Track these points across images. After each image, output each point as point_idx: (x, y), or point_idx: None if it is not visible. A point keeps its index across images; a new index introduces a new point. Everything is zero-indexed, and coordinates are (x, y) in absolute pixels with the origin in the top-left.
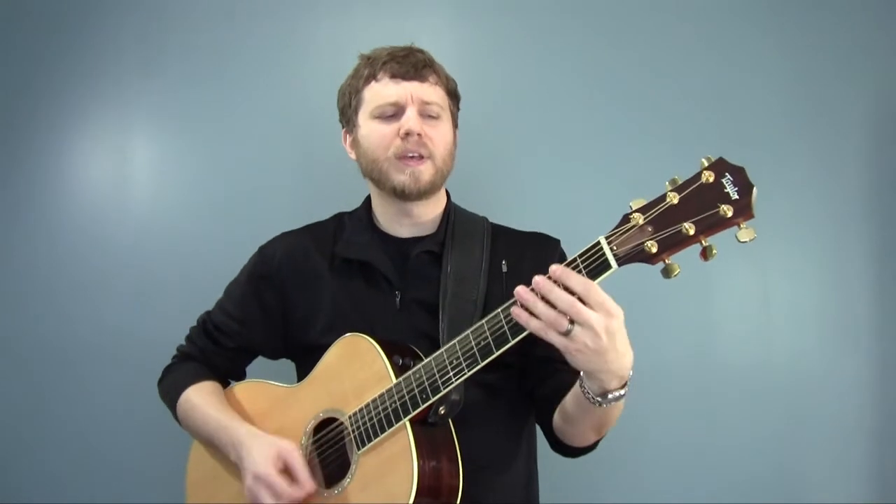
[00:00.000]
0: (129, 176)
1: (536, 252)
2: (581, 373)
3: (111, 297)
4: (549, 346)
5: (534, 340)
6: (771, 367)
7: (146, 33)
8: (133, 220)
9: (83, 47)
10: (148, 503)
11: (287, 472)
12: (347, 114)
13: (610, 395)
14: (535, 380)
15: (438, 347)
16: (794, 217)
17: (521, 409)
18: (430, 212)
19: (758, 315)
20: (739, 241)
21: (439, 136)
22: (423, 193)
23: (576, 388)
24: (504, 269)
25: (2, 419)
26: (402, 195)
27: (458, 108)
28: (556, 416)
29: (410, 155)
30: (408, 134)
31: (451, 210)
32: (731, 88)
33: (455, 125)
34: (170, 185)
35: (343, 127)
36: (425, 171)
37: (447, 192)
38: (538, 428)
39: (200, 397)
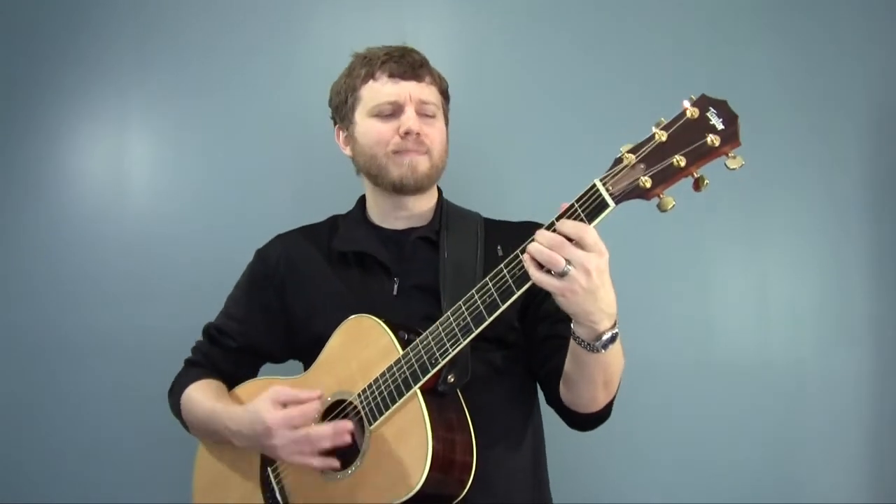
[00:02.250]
0: (127, 176)
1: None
2: (573, 326)
3: (110, 296)
4: (552, 326)
5: (537, 320)
6: (769, 366)
7: (142, 34)
8: (130, 219)
9: (80, 48)
10: (148, 503)
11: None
12: (343, 111)
13: (604, 337)
14: (540, 358)
15: None
16: (793, 215)
17: (526, 391)
18: (423, 205)
19: (756, 313)
20: (729, 169)
21: (435, 133)
22: (420, 186)
23: (572, 344)
24: (500, 252)
25: (0, 419)
26: (400, 188)
27: (448, 107)
28: (561, 385)
29: (409, 150)
30: (407, 133)
31: (443, 203)
32: (729, 87)
33: (447, 122)
34: (167, 185)
35: (336, 124)
36: (422, 162)
37: (439, 188)
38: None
39: (199, 392)
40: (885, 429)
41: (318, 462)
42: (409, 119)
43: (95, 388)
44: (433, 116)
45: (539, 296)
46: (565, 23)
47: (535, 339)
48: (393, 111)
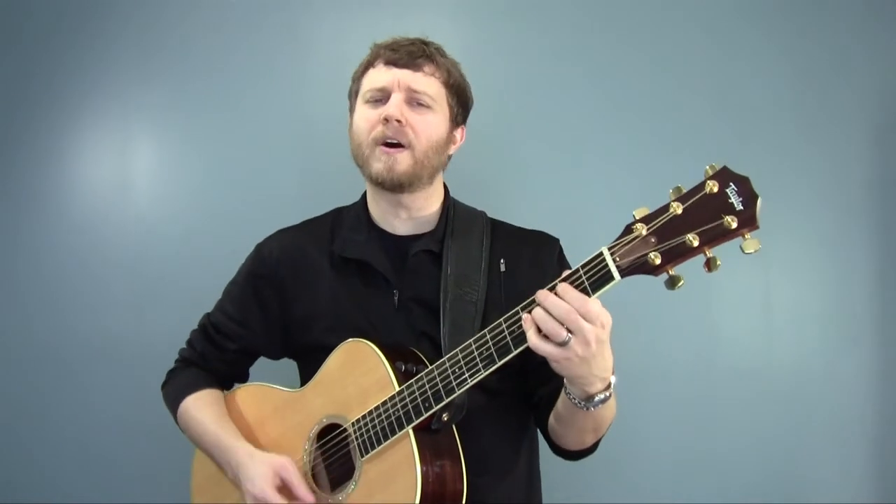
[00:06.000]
0: (130, 179)
1: (535, 251)
2: (565, 382)
3: (111, 300)
4: None
5: None
6: (772, 369)
7: (145, 36)
8: (133, 223)
9: (83, 51)
10: (148, 503)
11: (285, 487)
12: (350, 100)
13: (596, 399)
14: (534, 383)
15: (439, 348)
16: (796, 218)
17: (521, 410)
18: (425, 206)
19: (759, 316)
20: (744, 253)
21: (424, 126)
22: (399, 184)
23: (564, 396)
24: (502, 268)
25: (1, 421)
26: (379, 183)
27: (463, 107)
28: (551, 420)
29: (389, 141)
30: (387, 119)
31: (450, 206)
32: (734, 90)
33: (454, 122)
34: (170, 189)
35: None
36: (402, 160)
37: (446, 187)
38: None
39: (198, 409)
40: (889, 431)
41: None
42: (391, 105)
43: (97, 389)
44: (427, 107)
45: None
46: (569, 26)
47: (532, 363)
48: (381, 98)
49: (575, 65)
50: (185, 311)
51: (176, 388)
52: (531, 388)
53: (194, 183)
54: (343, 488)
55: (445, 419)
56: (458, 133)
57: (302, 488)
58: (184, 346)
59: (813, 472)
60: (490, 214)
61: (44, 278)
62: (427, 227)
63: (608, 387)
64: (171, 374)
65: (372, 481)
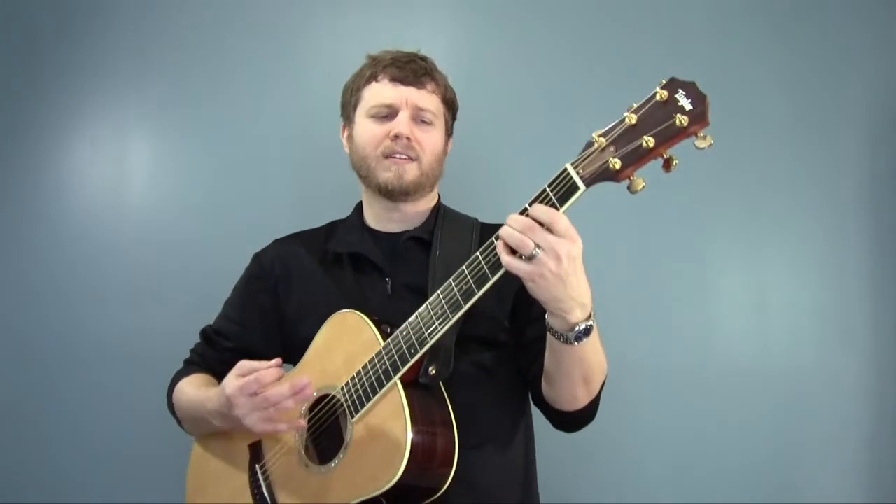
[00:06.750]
0: (127, 178)
1: None
2: (547, 317)
3: (109, 298)
4: (542, 327)
5: (527, 322)
6: (768, 367)
7: (144, 37)
8: (131, 221)
9: (82, 52)
10: (149, 503)
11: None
12: (347, 109)
13: (577, 328)
14: (528, 359)
15: None
16: (791, 216)
17: (516, 393)
18: (418, 208)
19: (755, 314)
20: (697, 148)
21: (428, 141)
22: (406, 192)
23: (549, 337)
24: None
25: (1, 418)
26: (387, 192)
27: (453, 119)
28: (543, 384)
29: (398, 156)
30: (397, 136)
31: (441, 207)
32: (729, 88)
33: (448, 134)
34: (167, 188)
35: (343, 121)
36: (410, 170)
37: (438, 194)
38: (536, 428)
39: (187, 384)
40: (884, 432)
41: (283, 426)
42: (401, 123)
43: (95, 390)
44: (430, 124)
45: (529, 296)
46: (566, 28)
47: (525, 340)
48: (388, 114)
49: (568, 67)
50: (184, 309)
51: (173, 383)
52: (526, 365)
53: (190, 185)
54: (336, 457)
55: (433, 372)
56: (448, 143)
57: (261, 364)
58: (187, 354)
59: (808, 471)
60: (481, 217)
61: (44, 276)
62: (417, 224)
63: (589, 317)
64: (171, 379)
65: (363, 440)
